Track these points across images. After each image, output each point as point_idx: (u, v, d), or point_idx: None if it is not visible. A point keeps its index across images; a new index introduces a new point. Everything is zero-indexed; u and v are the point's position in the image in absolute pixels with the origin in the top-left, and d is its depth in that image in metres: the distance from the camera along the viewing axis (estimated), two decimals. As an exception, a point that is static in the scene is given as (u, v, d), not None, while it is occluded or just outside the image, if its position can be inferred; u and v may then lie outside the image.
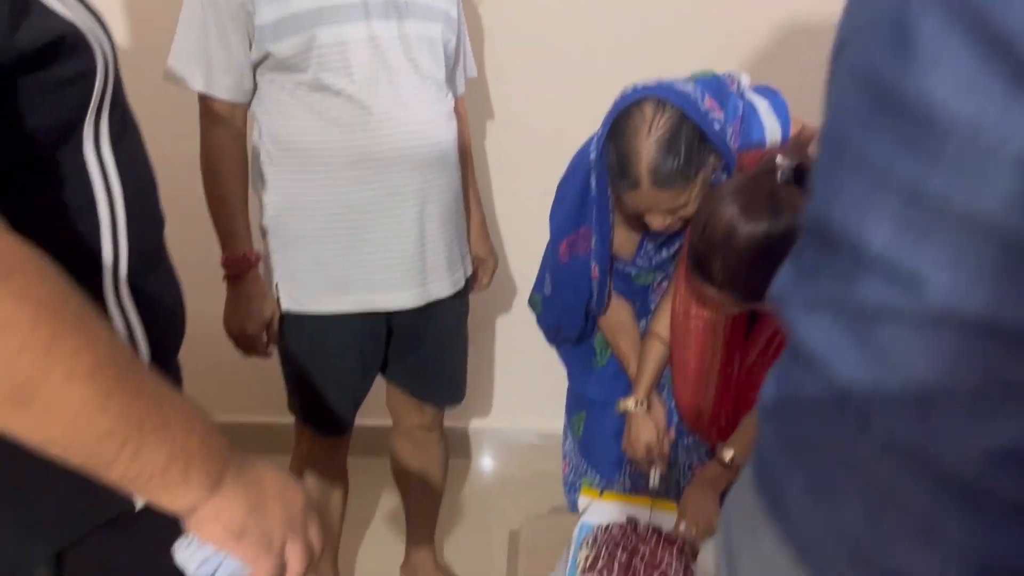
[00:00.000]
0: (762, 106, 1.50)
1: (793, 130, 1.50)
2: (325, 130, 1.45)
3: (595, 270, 1.58)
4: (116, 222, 0.76)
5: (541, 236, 1.69)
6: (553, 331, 1.78)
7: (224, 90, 1.45)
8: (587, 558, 1.40)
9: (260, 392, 2.32)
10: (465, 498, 2.46)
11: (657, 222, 1.40)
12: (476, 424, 2.61)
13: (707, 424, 1.62)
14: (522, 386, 2.56)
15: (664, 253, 1.60)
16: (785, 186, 1.25)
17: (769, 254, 1.22)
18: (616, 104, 1.37)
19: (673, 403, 1.68)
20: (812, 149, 1.34)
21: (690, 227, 1.34)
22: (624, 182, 1.34)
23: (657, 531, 1.47)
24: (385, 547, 2.23)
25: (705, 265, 1.28)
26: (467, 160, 1.74)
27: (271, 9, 1.38)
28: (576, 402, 1.87)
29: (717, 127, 1.35)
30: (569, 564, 1.43)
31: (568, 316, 1.68)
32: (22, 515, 0.75)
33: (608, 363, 1.78)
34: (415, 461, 1.92)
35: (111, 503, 0.77)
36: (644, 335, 1.66)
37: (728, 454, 1.51)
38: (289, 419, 1.74)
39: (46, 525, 0.76)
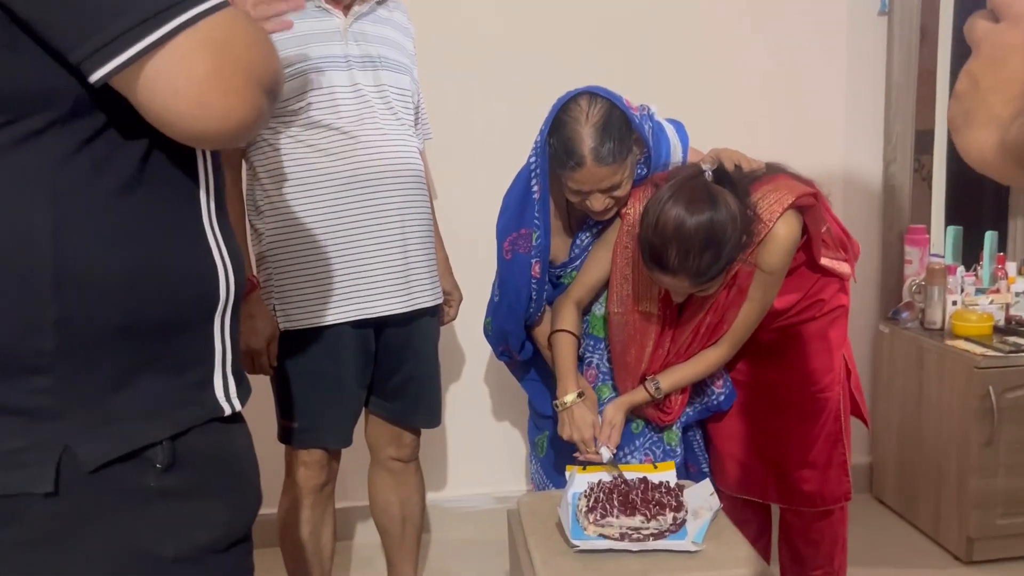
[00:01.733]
0: (669, 130, 1.85)
1: (691, 157, 1.85)
2: (316, 159, 1.69)
3: (535, 267, 1.79)
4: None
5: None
6: (501, 340, 1.95)
7: (224, 136, 1.68)
8: (587, 504, 1.56)
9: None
10: (431, 569, 2.51)
11: (597, 203, 1.67)
12: (431, 497, 2.69)
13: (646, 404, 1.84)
14: (474, 453, 2.69)
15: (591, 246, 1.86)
16: (713, 184, 1.58)
17: (714, 240, 1.53)
18: (554, 105, 1.70)
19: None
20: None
21: (640, 227, 1.63)
22: (570, 163, 1.62)
23: (644, 479, 1.64)
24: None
25: (661, 257, 1.56)
26: (431, 201, 1.99)
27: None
28: (538, 425, 2.05)
29: (638, 120, 1.68)
30: (571, 512, 1.57)
31: (512, 319, 1.87)
32: (147, 401, 0.90)
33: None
34: (394, 494, 2.01)
35: (207, 406, 0.95)
36: (551, 335, 1.85)
37: (653, 383, 1.77)
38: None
39: (163, 412, 0.91)
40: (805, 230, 1.72)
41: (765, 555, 2.04)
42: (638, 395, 1.80)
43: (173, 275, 0.91)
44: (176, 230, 0.93)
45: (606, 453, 1.73)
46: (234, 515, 0.99)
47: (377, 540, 2.10)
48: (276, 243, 1.72)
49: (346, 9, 1.74)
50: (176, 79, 0.79)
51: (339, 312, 1.72)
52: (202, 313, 0.95)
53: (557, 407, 1.79)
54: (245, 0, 1.25)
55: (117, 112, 0.84)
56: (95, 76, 0.78)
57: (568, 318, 1.82)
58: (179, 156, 0.91)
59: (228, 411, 0.97)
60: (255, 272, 1.76)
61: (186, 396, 0.94)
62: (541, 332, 1.90)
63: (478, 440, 2.68)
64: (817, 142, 2.64)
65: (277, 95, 0.91)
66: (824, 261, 1.78)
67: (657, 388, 1.78)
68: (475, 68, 2.49)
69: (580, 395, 1.77)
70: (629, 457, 1.87)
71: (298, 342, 1.74)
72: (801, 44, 2.61)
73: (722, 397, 1.89)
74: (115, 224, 0.86)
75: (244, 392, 1.02)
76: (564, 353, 1.81)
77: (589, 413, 1.77)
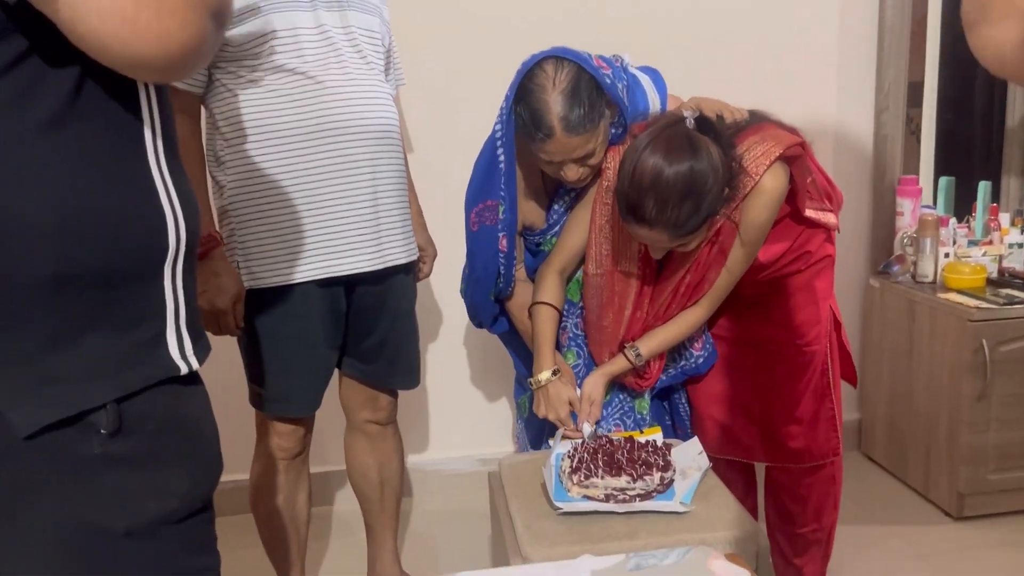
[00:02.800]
0: (644, 80, 1.75)
1: (670, 104, 1.76)
2: (280, 105, 1.59)
3: (503, 241, 1.70)
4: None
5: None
6: (473, 311, 1.88)
7: (182, 82, 1.57)
8: (570, 465, 1.49)
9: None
10: (412, 535, 2.45)
11: (571, 173, 1.59)
12: (412, 460, 2.63)
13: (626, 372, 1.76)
14: (456, 414, 2.62)
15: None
16: (695, 133, 1.49)
17: (693, 191, 1.45)
18: (519, 71, 1.59)
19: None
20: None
21: (617, 178, 1.54)
22: (539, 134, 1.53)
23: (629, 439, 1.58)
24: (350, 553, 2.21)
25: (638, 208, 1.48)
26: (404, 152, 1.89)
27: None
28: (523, 385, 1.98)
29: (609, 81, 1.58)
30: (554, 474, 1.50)
31: (481, 293, 1.79)
32: (89, 361, 0.82)
33: None
34: (372, 457, 1.94)
35: (160, 366, 0.87)
36: (531, 306, 1.76)
37: (633, 351, 1.70)
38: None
39: (107, 372, 0.83)
40: (791, 181, 1.64)
41: (752, 515, 1.99)
42: (618, 364, 1.72)
43: (112, 219, 0.82)
44: (115, 170, 0.83)
45: (587, 429, 1.66)
46: (192, 484, 0.92)
47: (357, 506, 2.03)
48: (239, 196, 1.62)
49: (308, -56, 1.63)
50: None
51: (307, 270, 1.63)
52: (149, 263, 0.87)
53: (531, 385, 1.72)
54: None
55: (41, 35, 0.75)
56: None
57: (550, 290, 1.74)
58: (118, 88, 0.82)
59: (184, 370, 0.89)
60: (218, 227, 1.66)
61: (135, 355, 0.85)
62: (516, 305, 1.81)
63: (460, 400, 2.61)
64: (809, 89, 2.56)
65: (225, 19, 0.82)
66: (809, 212, 1.71)
67: (638, 355, 1.70)
68: (451, 13, 2.38)
69: (555, 372, 1.70)
70: (599, 425, 1.79)
71: (264, 301, 1.64)
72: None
73: (700, 360, 1.82)
74: (41, 162, 0.77)
75: (202, 350, 0.94)
76: (543, 328, 1.72)
77: (565, 390, 1.70)
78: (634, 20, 2.44)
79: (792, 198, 1.68)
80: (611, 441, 1.57)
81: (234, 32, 1.54)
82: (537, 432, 1.88)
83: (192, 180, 1.53)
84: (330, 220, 1.63)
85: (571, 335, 1.83)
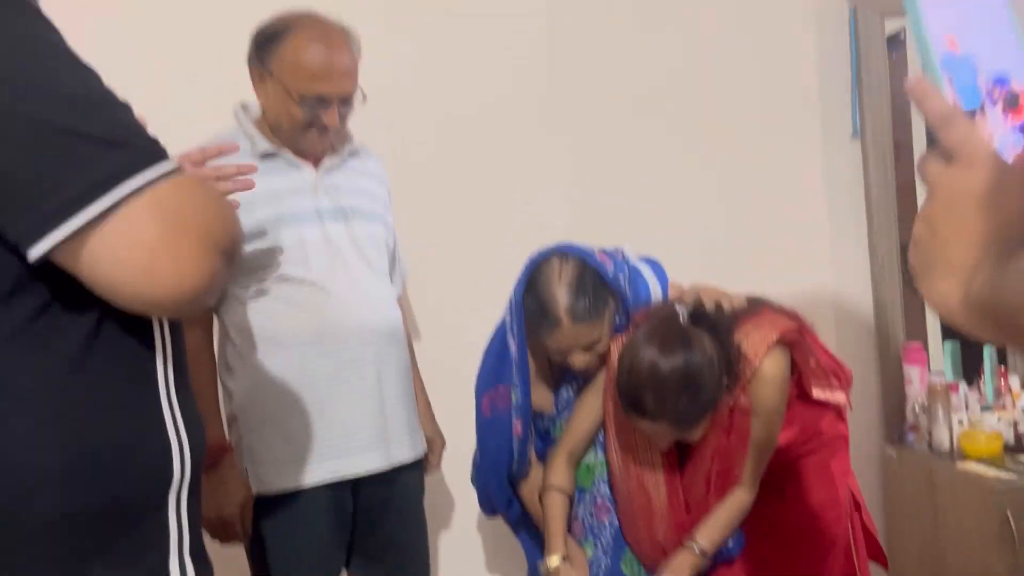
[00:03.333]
0: (645, 270, 1.83)
1: (672, 292, 1.83)
2: (288, 314, 1.65)
3: (518, 426, 1.73)
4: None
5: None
6: (485, 498, 1.87)
7: (195, 295, 1.64)
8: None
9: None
10: None
11: (579, 360, 1.64)
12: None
13: (668, 556, 1.70)
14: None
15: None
16: (689, 327, 1.54)
17: (690, 384, 1.49)
18: (526, 266, 1.69)
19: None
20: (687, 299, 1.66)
21: (616, 373, 1.58)
22: (546, 324, 1.61)
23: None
24: None
25: (637, 402, 1.52)
26: (410, 348, 1.94)
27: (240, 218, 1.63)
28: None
29: (611, 274, 1.66)
30: None
31: (495, 479, 1.80)
32: None
33: None
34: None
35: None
36: (541, 492, 1.76)
37: (697, 546, 1.64)
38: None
39: None
40: (794, 365, 1.67)
41: None
42: (684, 567, 1.65)
43: (123, 457, 0.85)
44: (127, 407, 0.87)
45: None
46: None
47: None
48: (247, 402, 1.66)
49: (316, 163, 1.74)
50: (120, 250, 0.76)
51: (313, 474, 1.64)
52: (154, 494, 0.88)
53: (542, 572, 1.69)
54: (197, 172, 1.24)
55: (61, 284, 0.80)
56: (33, 254, 0.75)
57: (559, 474, 1.74)
58: (132, 324, 0.86)
59: None
60: (227, 434, 1.69)
61: None
62: (528, 487, 1.81)
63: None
64: (804, 268, 2.62)
65: (235, 257, 0.87)
66: (817, 393, 1.72)
67: (703, 552, 1.65)
68: (457, 203, 2.49)
69: (564, 559, 1.67)
70: None
71: (271, 507, 1.65)
72: (778, 173, 2.63)
73: (730, 542, 1.78)
74: (59, 406, 0.81)
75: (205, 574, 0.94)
76: (553, 513, 1.72)
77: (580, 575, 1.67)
78: (631, 211, 2.53)
79: (798, 380, 1.70)
80: None
81: (245, 248, 1.63)
82: None
83: (202, 390, 1.59)
84: (337, 423, 1.66)
85: (587, 525, 1.80)
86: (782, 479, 1.77)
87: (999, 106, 0.64)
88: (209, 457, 1.58)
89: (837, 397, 1.76)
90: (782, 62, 2.65)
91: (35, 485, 0.79)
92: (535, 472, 1.81)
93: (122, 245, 0.76)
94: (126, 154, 0.77)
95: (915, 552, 2.53)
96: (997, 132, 0.63)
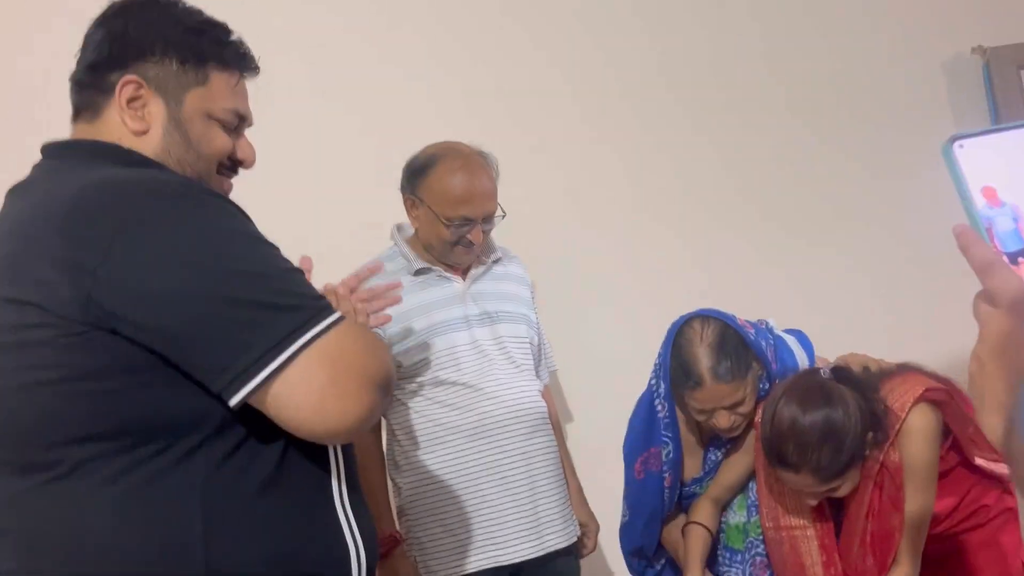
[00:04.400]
0: (791, 340, 1.87)
1: (818, 364, 1.85)
2: (444, 413, 1.83)
3: (668, 479, 1.80)
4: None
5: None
6: (636, 558, 1.92)
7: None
8: None
9: None
10: None
11: (723, 421, 1.69)
12: None
13: None
14: None
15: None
16: (830, 381, 1.58)
17: (831, 435, 1.52)
18: (669, 331, 1.77)
19: None
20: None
21: (760, 428, 1.63)
22: (689, 383, 1.67)
23: None
24: None
25: (781, 454, 1.56)
26: (559, 434, 2.07)
27: (398, 330, 1.83)
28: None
29: (753, 337, 1.72)
30: None
31: (647, 531, 1.85)
32: None
33: None
34: None
35: None
36: (685, 525, 1.81)
37: None
38: None
39: None
40: (948, 430, 1.65)
41: None
42: None
43: (311, 560, 1.01)
44: (312, 519, 1.04)
45: None
46: None
47: None
48: (414, 496, 1.84)
49: (464, 273, 1.93)
50: (297, 394, 0.94)
51: (473, 562, 1.79)
52: None
53: None
54: (348, 295, 1.42)
55: (255, 422, 0.98)
56: (233, 401, 0.94)
57: (704, 512, 1.80)
58: (312, 450, 1.04)
59: None
60: (398, 526, 1.87)
61: None
62: (667, 532, 1.87)
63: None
64: (953, 337, 2.53)
65: (390, 388, 1.03)
66: (979, 461, 1.69)
67: None
68: (592, 297, 2.61)
69: None
70: None
71: (440, 592, 1.80)
72: (920, 237, 2.59)
73: None
74: (257, 522, 0.99)
75: None
76: (693, 544, 1.77)
77: None
78: (772, 285, 2.57)
79: (955, 446, 1.68)
80: None
81: (404, 357, 1.82)
82: None
83: (374, 485, 1.78)
84: (493, 513, 1.80)
85: None
86: (948, 554, 1.73)
87: None
88: (382, 547, 1.76)
89: (1001, 468, 1.71)
90: (919, 123, 2.63)
91: None
92: (679, 517, 1.88)
93: (298, 390, 0.94)
94: (297, 315, 0.95)
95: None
96: None
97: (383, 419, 1.92)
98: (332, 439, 1.04)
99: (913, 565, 1.67)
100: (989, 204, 0.70)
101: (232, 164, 1.17)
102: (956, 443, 1.67)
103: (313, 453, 1.05)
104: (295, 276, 1.01)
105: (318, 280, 1.21)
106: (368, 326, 1.39)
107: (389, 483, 1.90)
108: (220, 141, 1.13)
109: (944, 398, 1.64)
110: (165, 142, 1.08)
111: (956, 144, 0.71)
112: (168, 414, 0.96)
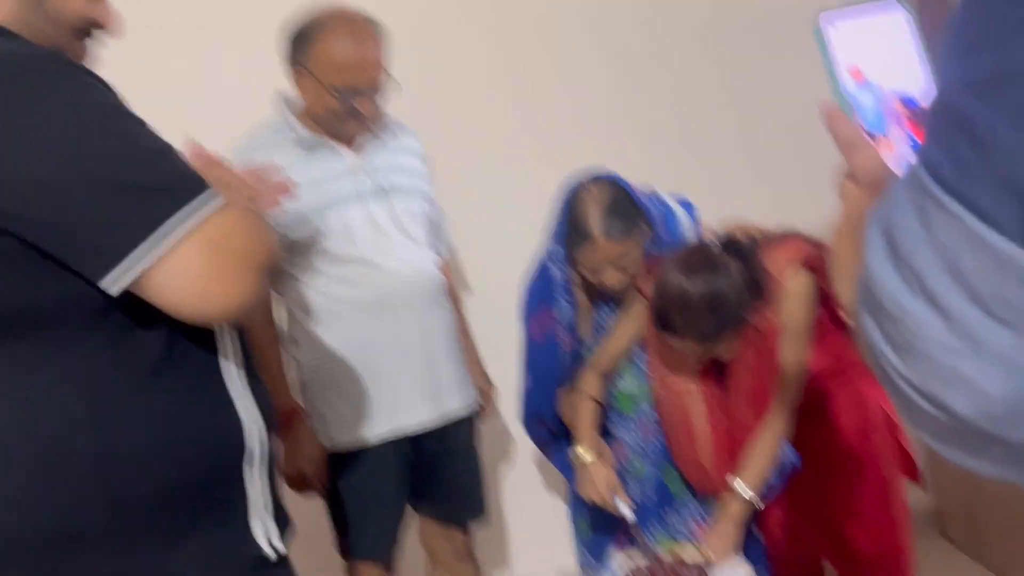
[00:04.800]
0: (678, 209, 1.93)
1: (703, 230, 1.92)
2: (340, 289, 1.82)
3: (566, 339, 1.88)
4: None
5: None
6: (536, 424, 2.03)
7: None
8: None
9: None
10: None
11: (611, 278, 1.76)
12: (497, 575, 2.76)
13: (716, 481, 1.84)
14: (534, 530, 2.75)
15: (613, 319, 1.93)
16: (717, 252, 1.65)
17: (715, 304, 1.61)
18: (563, 192, 1.81)
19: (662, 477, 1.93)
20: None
21: (650, 296, 1.70)
22: (581, 241, 1.73)
23: (680, 561, 1.69)
24: None
25: (667, 319, 1.65)
26: (457, 305, 2.10)
27: (288, 206, 1.79)
28: (578, 505, 2.09)
29: (644, 201, 1.78)
30: None
31: (546, 396, 1.95)
32: (192, 560, 1.01)
33: None
34: (454, 593, 2.10)
35: (250, 555, 1.06)
36: (575, 397, 1.90)
37: (742, 485, 1.75)
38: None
39: (213, 566, 1.02)
40: (822, 291, 1.75)
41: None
42: (737, 512, 1.76)
43: (204, 439, 1.02)
44: (204, 400, 1.04)
45: (627, 512, 1.77)
46: None
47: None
48: (313, 371, 1.85)
49: (356, 146, 1.88)
50: (179, 280, 0.92)
51: (375, 432, 1.84)
52: (235, 468, 1.06)
53: (575, 464, 1.84)
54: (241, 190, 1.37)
55: (137, 307, 0.96)
56: (113, 291, 0.91)
57: (591, 384, 1.88)
58: (200, 332, 1.03)
59: (273, 556, 1.07)
60: (299, 400, 1.89)
61: (230, 548, 1.03)
62: (564, 402, 1.96)
63: (534, 516, 2.74)
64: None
65: (273, 270, 1.04)
66: (847, 320, 1.81)
67: (749, 491, 1.75)
68: (487, 167, 2.61)
69: (600, 455, 1.82)
70: (675, 528, 1.89)
71: (342, 462, 1.85)
72: (816, 95, 2.65)
73: (792, 454, 1.88)
74: (146, 407, 0.98)
75: (287, 533, 1.12)
76: (585, 413, 1.86)
77: (607, 471, 1.81)
78: (661, 149, 2.62)
79: (831, 309, 1.79)
80: (661, 564, 1.68)
81: (296, 233, 1.79)
82: (594, 551, 1.99)
83: (271, 361, 1.78)
84: (391, 383, 1.84)
85: (636, 446, 1.93)
86: (814, 401, 1.86)
87: (906, 123, 0.74)
88: (284, 421, 1.79)
89: None
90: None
91: (130, 471, 0.97)
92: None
93: (180, 277, 0.92)
94: (177, 199, 0.92)
95: (956, 471, 2.62)
96: (898, 148, 0.73)
97: (278, 296, 1.91)
98: (216, 322, 1.03)
99: (787, 416, 1.80)
100: (856, 83, 0.73)
101: (93, 29, 1.09)
102: (828, 303, 1.78)
103: (202, 335, 1.04)
104: (171, 156, 0.97)
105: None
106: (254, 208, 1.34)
107: (288, 359, 1.90)
108: (76, 3, 1.05)
109: (819, 263, 1.74)
110: (17, 7, 1.00)
111: (827, 23, 0.73)
112: (42, 303, 0.93)
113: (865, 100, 0.74)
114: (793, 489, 1.91)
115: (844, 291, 0.68)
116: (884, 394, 1.84)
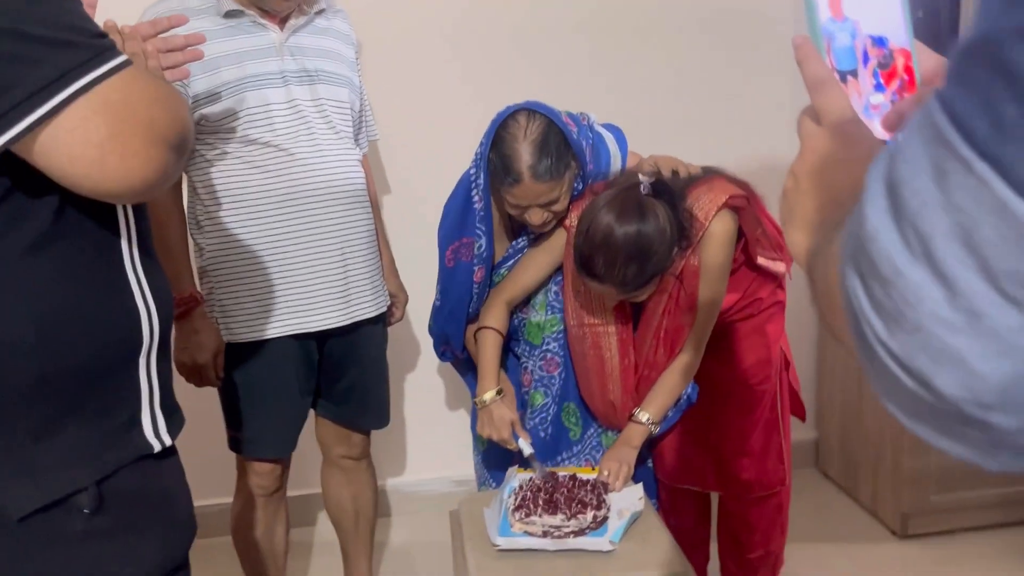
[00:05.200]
0: (608, 138, 1.88)
1: (630, 160, 1.89)
2: (253, 174, 1.72)
3: (479, 273, 1.85)
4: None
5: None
6: (442, 343, 2.01)
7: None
8: (514, 501, 1.64)
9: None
10: (389, 553, 2.59)
11: (535, 217, 1.71)
12: (392, 482, 2.77)
13: (621, 415, 1.88)
14: (432, 438, 2.77)
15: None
16: (648, 197, 1.62)
17: (639, 254, 1.59)
18: (493, 121, 1.73)
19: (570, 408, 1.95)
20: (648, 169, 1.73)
21: (574, 235, 1.67)
22: (508, 179, 1.66)
23: (574, 477, 1.72)
24: (329, 573, 2.36)
25: (589, 263, 1.62)
26: (375, 206, 2.02)
27: (204, 80, 1.66)
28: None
29: (575, 137, 1.72)
30: (501, 510, 1.65)
31: (454, 322, 1.92)
32: (72, 448, 0.94)
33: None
34: (346, 490, 2.08)
35: (135, 446, 0.99)
36: (477, 330, 1.89)
37: (644, 415, 1.80)
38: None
39: (87, 457, 0.95)
40: (742, 232, 1.77)
41: (705, 541, 2.13)
42: (637, 436, 1.81)
43: (90, 324, 0.94)
44: (93, 280, 0.95)
45: (526, 447, 1.79)
46: (166, 549, 1.04)
47: (337, 529, 2.18)
48: (217, 258, 1.76)
49: (282, 23, 1.75)
50: (70, 146, 0.82)
51: (280, 326, 1.77)
52: (125, 357, 0.99)
53: (476, 404, 1.84)
54: (138, 38, 1.24)
55: (23, 173, 0.86)
56: None
57: (496, 315, 1.86)
58: (96, 208, 0.93)
59: (158, 447, 1.01)
60: (199, 286, 1.80)
61: (112, 439, 0.97)
62: (470, 328, 1.94)
63: (435, 424, 2.75)
64: (762, 136, 2.67)
65: (185, 147, 0.93)
66: (760, 261, 1.83)
67: (651, 421, 1.80)
68: (428, 60, 2.50)
69: (499, 392, 1.81)
70: (568, 461, 1.93)
71: (242, 355, 1.78)
72: (747, 36, 2.63)
73: (690, 389, 1.92)
74: (22, 283, 0.89)
75: (175, 425, 1.05)
76: (487, 351, 1.84)
77: (507, 411, 1.81)
78: (595, 73, 2.56)
79: (744, 247, 1.81)
80: (557, 480, 1.70)
81: (210, 109, 1.67)
82: (494, 465, 2.02)
83: (173, 244, 1.68)
84: (301, 280, 1.76)
85: (536, 377, 1.94)
86: (722, 339, 1.90)
87: (872, 65, 0.70)
88: (181, 307, 1.70)
89: (778, 267, 1.87)
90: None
91: (8, 356, 0.88)
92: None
93: (72, 142, 0.81)
94: (73, 54, 0.81)
95: (837, 411, 2.77)
96: (865, 92, 0.70)
97: (184, 175, 1.79)
98: (115, 200, 0.93)
99: (696, 353, 1.84)
100: (833, 17, 0.69)
101: None
102: (745, 244, 1.80)
103: (98, 211, 0.94)
104: (70, 5, 0.85)
105: (100, 18, 1.04)
106: (163, 77, 1.23)
107: (190, 242, 1.80)
108: None
109: (743, 204, 1.74)
110: None
111: None
112: None
113: (841, 38, 0.70)
114: (688, 418, 1.97)
115: (796, 238, 0.65)
116: (783, 333, 1.93)
